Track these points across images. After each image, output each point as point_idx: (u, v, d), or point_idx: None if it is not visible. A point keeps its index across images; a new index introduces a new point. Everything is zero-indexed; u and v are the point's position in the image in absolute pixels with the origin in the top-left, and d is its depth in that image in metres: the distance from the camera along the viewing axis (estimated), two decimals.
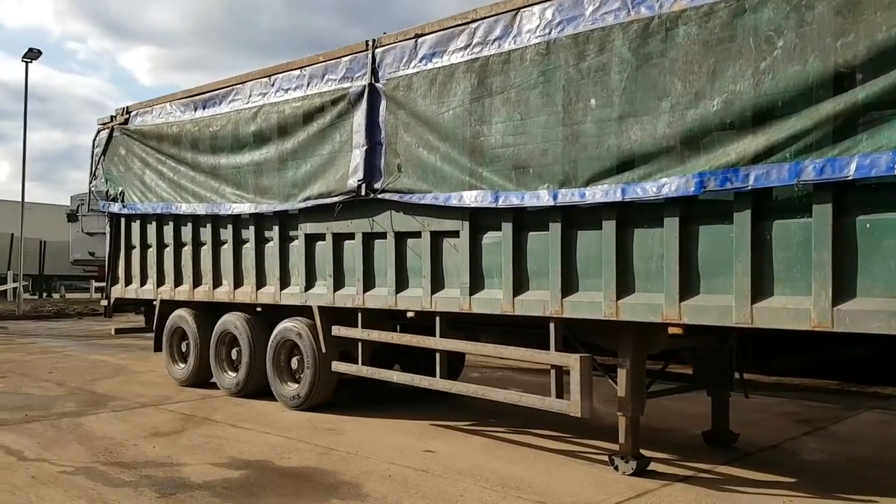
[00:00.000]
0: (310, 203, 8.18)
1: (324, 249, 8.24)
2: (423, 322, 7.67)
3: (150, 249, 10.75)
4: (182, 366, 10.37)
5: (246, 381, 9.25)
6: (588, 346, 6.44)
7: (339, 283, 8.10)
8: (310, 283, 8.42)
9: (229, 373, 9.63)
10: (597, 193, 5.77)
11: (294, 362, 8.73)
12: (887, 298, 4.53)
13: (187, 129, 9.73)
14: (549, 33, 6.07)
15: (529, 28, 6.22)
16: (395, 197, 7.29)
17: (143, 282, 10.92)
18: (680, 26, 5.30)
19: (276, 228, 8.77)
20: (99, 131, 11.56)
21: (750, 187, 4.98)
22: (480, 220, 6.74)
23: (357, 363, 8.07)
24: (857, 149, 4.54)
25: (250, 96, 8.94)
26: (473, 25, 6.65)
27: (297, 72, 8.37)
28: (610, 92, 5.69)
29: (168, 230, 10.37)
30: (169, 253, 10.40)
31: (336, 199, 7.87)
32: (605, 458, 6.39)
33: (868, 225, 4.61)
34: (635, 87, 5.54)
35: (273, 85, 8.65)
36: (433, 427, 7.76)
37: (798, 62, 4.76)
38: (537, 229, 6.33)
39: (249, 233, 9.14)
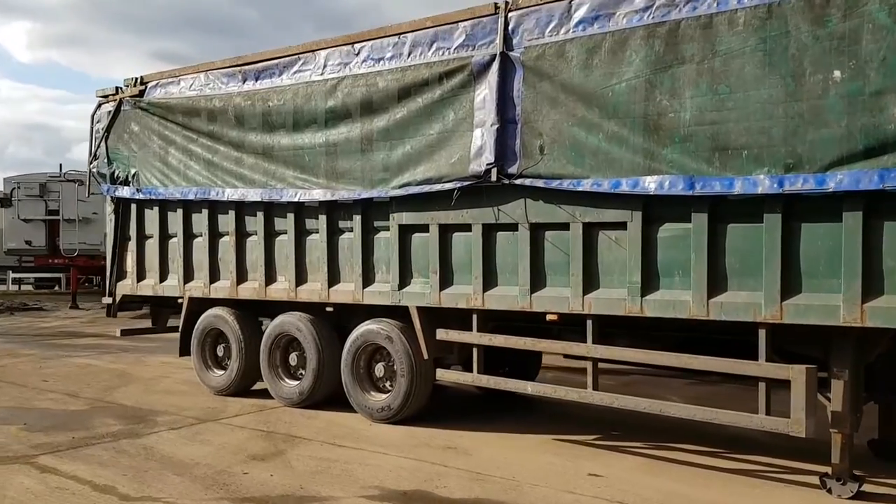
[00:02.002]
0: (409, 190, 6.85)
1: (424, 242, 6.93)
2: (538, 324, 6.55)
3: (174, 240, 9.10)
4: (220, 372, 8.80)
5: (312, 390, 7.83)
6: (785, 354, 5.43)
7: (446, 280, 6.81)
8: (404, 280, 7.09)
9: (287, 381, 8.15)
10: (843, 180, 4.75)
11: (379, 369, 7.38)
12: None
13: (235, 102, 8.17)
14: None
15: None
16: (539, 183, 6.07)
17: (162, 277, 9.24)
18: None
19: (356, 218, 7.38)
20: (99, 105, 9.77)
21: None
22: (658, 209, 5.63)
23: (470, 370, 6.80)
24: None
25: (325, 67, 7.49)
26: None
27: (393, 39, 7.00)
28: (861, 63, 4.67)
29: (200, 218, 8.76)
30: (200, 244, 8.80)
31: (449, 185, 6.57)
32: (802, 479, 5.44)
33: None
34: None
35: (358, 54, 7.24)
36: (558, 442, 6.63)
37: None
38: (743, 221, 5.29)
39: (318, 223, 7.71)
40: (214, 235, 8.69)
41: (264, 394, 8.39)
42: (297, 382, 8.00)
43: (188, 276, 8.97)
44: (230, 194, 8.27)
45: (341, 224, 7.59)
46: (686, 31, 5.36)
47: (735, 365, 5.43)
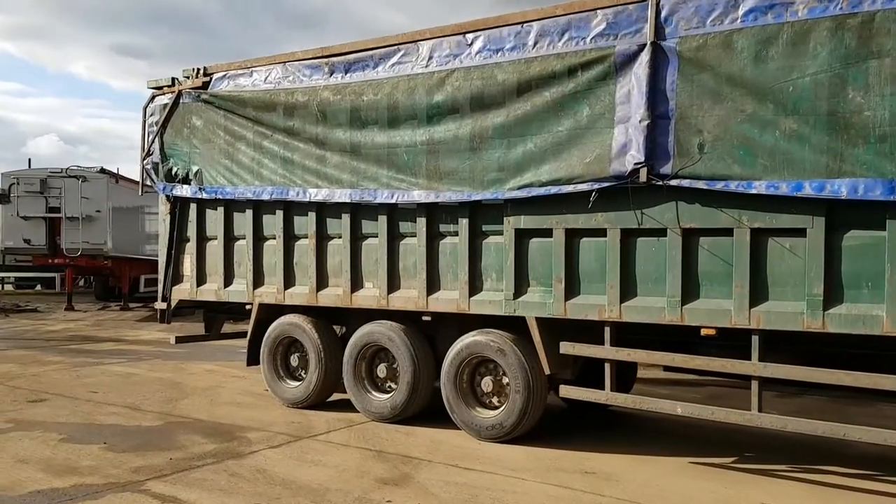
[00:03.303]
0: (532, 192, 6.06)
1: (545, 248, 6.14)
2: (662, 337, 5.85)
3: (241, 242, 8.18)
4: (295, 384, 7.89)
5: (406, 404, 6.97)
6: None
7: (572, 289, 6.02)
8: (520, 288, 6.28)
9: (375, 394, 7.29)
10: None
11: (486, 384, 6.57)
12: None
13: (320, 96, 7.30)
14: None
15: None
16: (700, 184, 5.32)
17: (227, 281, 8.31)
18: None
19: (462, 222, 6.56)
20: (153, 97, 8.82)
21: None
22: (844, 214, 4.92)
23: (604, 388, 5.98)
24: None
25: (430, 58, 6.66)
26: None
27: (515, 28, 6.20)
28: None
29: (273, 220, 7.87)
30: (273, 247, 7.90)
31: (583, 186, 5.79)
32: None
33: None
34: None
35: (471, 45, 6.43)
36: (698, 465, 5.87)
37: None
38: None
39: (415, 226, 6.87)
40: (290, 238, 7.80)
41: (340, 406, 7.55)
42: (389, 396, 7.14)
43: (258, 280, 8.06)
44: (313, 194, 7.40)
45: (443, 228, 6.76)
46: (883, 23, 4.66)
47: None
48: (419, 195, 6.70)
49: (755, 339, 5.28)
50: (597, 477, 5.53)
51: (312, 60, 7.47)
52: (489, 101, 6.30)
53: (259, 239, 8.05)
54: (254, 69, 7.95)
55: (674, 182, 5.40)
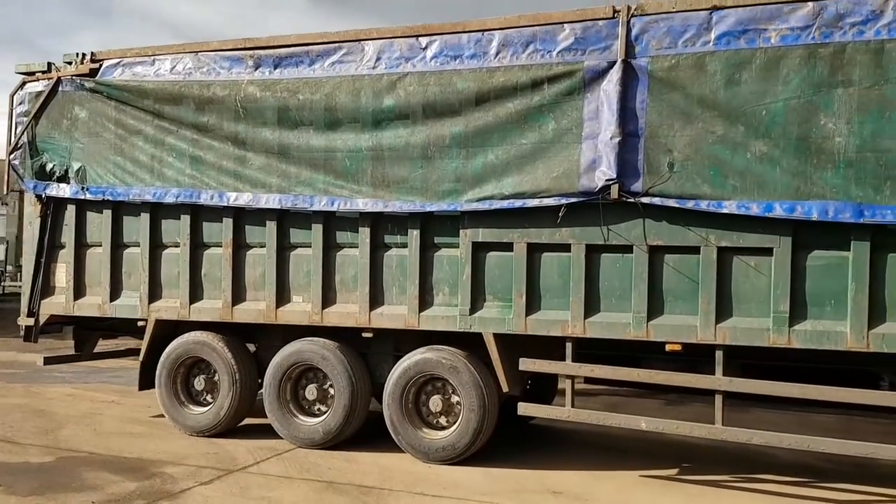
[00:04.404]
0: (494, 205, 5.89)
1: (505, 262, 5.98)
2: (615, 352, 5.93)
3: (133, 250, 7.29)
4: (200, 410, 7.10)
5: (341, 428, 6.50)
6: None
7: (532, 305, 5.89)
8: (476, 303, 6.07)
9: (303, 418, 6.72)
10: None
11: (435, 403, 6.26)
12: None
13: (244, 91, 6.68)
14: None
15: None
16: (671, 203, 5.40)
17: (114, 294, 7.36)
18: None
19: (413, 233, 6.24)
20: (22, 84, 7.69)
21: None
22: (809, 236, 5.17)
23: (564, 405, 5.90)
24: None
25: (378, 60, 6.29)
26: (816, 5, 5.10)
27: (474, 35, 6.00)
28: None
29: (177, 226, 7.09)
30: (175, 256, 7.12)
31: (549, 200, 5.71)
32: None
33: None
34: None
35: (425, 49, 6.15)
36: (652, 479, 5.97)
37: None
38: None
39: (357, 236, 6.45)
40: (198, 246, 7.06)
41: (248, 433, 6.95)
42: (320, 419, 6.61)
43: (155, 293, 7.21)
44: (232, 198, 6.74)
45: (388, 238, 6.39)
46: (854, 54, 4.98)
47: (886, 397, 5.10)
48: (364, 204, 6.30)
49: (719, 355, 5.42)
50: (566, 497, 5.44)
51: (233, 52, 6.82)
52: (446, 108, 6.04)
53: (157, 246, 7.21)
54: (157, 57, 7.13)
55: (645, 199, 5.44)
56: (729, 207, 5.25)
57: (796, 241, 5.19)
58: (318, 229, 6.56)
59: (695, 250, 5.43)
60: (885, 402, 5.13)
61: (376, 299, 6.39)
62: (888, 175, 4.89)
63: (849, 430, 7.28)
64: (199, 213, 7.01)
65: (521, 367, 5.98)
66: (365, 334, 6.56)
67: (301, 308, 6.65)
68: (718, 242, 5.36)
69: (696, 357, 5.73)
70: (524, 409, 6.06)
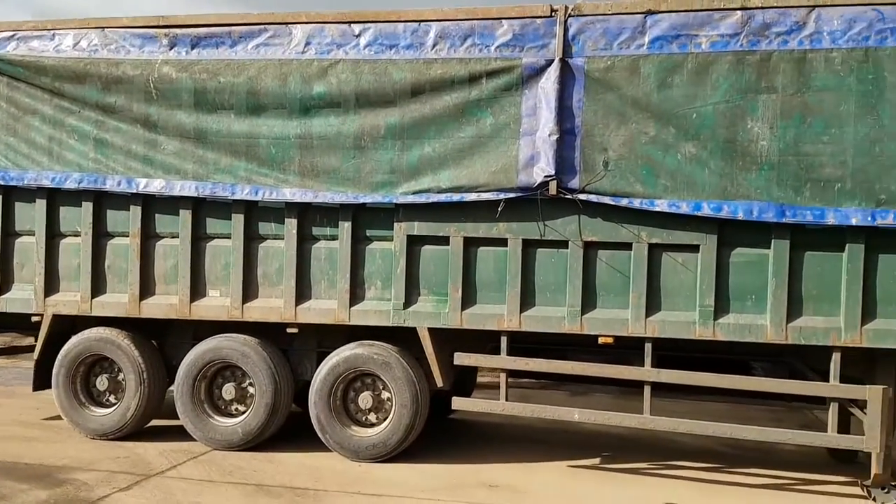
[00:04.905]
0: (431, 198, 5.82)
1: (441, 256, 5.93)
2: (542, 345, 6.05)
3: (25, 239, 6.70)
4: (104, 411, 6.59)
5: (263, 428, 6.22)
6: (819, 373, 5.61)
7: (469, 299, 5.88)
8: (410, 298, 5.98)
9: (220, 419, 6.38)
10: None
11: (365, 400, 6.11)
12: None
13: (159, 72, 6.24)
14: (867, 40, 5.15)
15: (832, 30, 5.20)
16: (606, 200, 5.53)
17: (4, 287, 6.72)
18: None
19: (344, 226, 6.07)
20: None
21: None
22: (733, 234, 5.45)
23: (498, 398, 5.91)
24: None
25: (307, 45, 6.05)
26: (744, 14, 5.36)
27: (411, 25, 5.89)
28: None
29: (77, 213, 6.56)
30: (75, 246, 6.58)
31: (488, 195, 5.71)
32: (841, 491, 5.63)
33: None
34: None
35: (359, 36, 5.97)
36: (584, 469, 6.11)
37: None
38: (821, 249, 5.34)
39: (282, 227, 6.20)
40: (101, 236, 6.56)
41: (152, 435, 6.57)
42: (240, 420, 6.30)
43: (51, 287, 6.64)
44: (142, 185, 6.30)
45: (317, 230, 6.18)
46: (778, 63, 5.28)
47: (812, 387, 5.48)
48: (292, 193, 6.06)
49: (648, 347, 5.62)
50: (504, 490, 5.46)
51: (145, 30, 6.36)
52: (381, 98, 5.90)
53: (54, 236, 6.64)
54: (57, 32, 6.53)
55: (582, 196, 5.54)
56: (660, 206, 5.44)
57: (721, 239, 5.45)
58: (238, 219, 6.24)
59: (627, 246, 5.59)
60: (801, 391, 5.49)
61: (303, 293, 6.17)
62: (808, 178, 5.23)
63: (746, 416, 7.77)
64: (103, 200, 6.51)
65: (456, 362, 5.95)
66: (290, 330, 6.32)
67: (218, 303, 6.31)
68: (649, 239, 5.54)
69: (622, 349, 5.91)
70: (458, 403, 6.04)
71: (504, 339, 5.84)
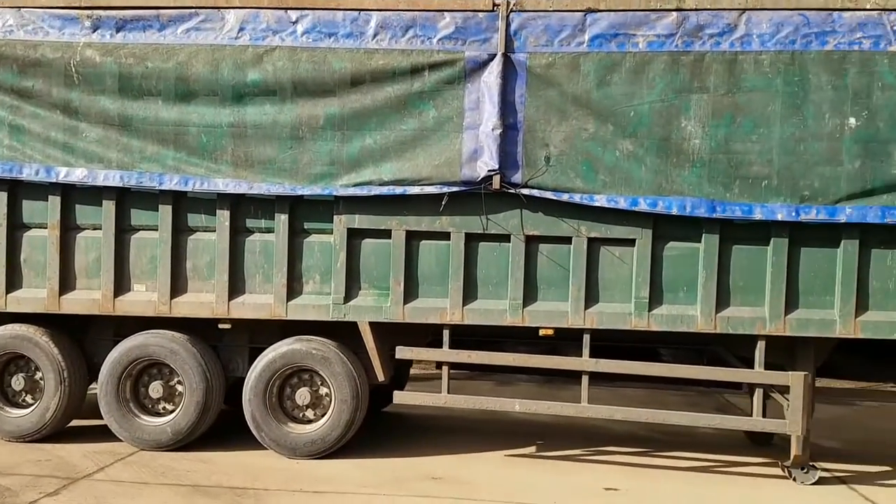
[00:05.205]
0: (373, 191, 5.75)
1: (382, 250, 5.87)
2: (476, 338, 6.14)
3: None
4: (20, 412, 6.20)
5: (193, 427, 6.00)
6: (744, 361, 5.91)
7: (411, 293, 5.85)
8: (351, 291, 5.89)
9: (147, 418, 6.11)
10: (851, 213, 5.36)
11: (302, 396, 5.98)
12: None
13: (81, 55, 5.90)
14: (793, 44, 5.41)
15: (761, 33, 5.44)
16: (548, 195, 5.61)
17: None
18: None
19: (281, 218, 5.91)
20: None
21: None
22: (667, 228, 5.64)
23: (440, 391, 5.91)
24: None
25: (241, 30, 5.84)
26: (679, 15, 5.52)
27: (351, 14, 5.77)
28: (872, 114, 5.33)
29: None
30: None
31: (431, 188, 5.70)
32: (763, 472, 5.96)
33: None
34: None
35: (296, 23, 5.81)
36: (522, 458, 6.19)
37: None
38: (748, 243, 5.60)
39: (213, 219, 6.00)
40: (15, 228, 6.16)
41: (75, 436, 6.25)
42: (169, 419, 6.05)
43: None
44: (62, 174, 5.96)
45: (251, 223, 6.00)
46: (711, 63, 5.48)
47: (738, 374, 5.77)
48: (225, 184, 5.86)
49: (586, 338, 5.75)
50: (447, 481, 5.49)
51: (66, 10, 5.97)
52: (320, 87, 5.77)
53: None
54: None
55: (525, 191, 5.60)
56: (599, 201, 5.56)
57: (655, 233, 5.63)
58: (166, 211, 5.98)
59: (567, 240, 5.69)
60: (730, 378, 5.76)
61: (236, 288, 5.98)
62: (737, 175, 5.46)
63: (665, 402, 8.07)
64: (19, 190, 6.11)
65: (398, 356, 5.92)
66: (222, 325, 6.12)
67: (145, 297, 6.04)
68: (589, 233, 5.66)
69: (555, 340, 6.02)
70: (400, 397, 6.02)
71: (446, 333, 5.84)
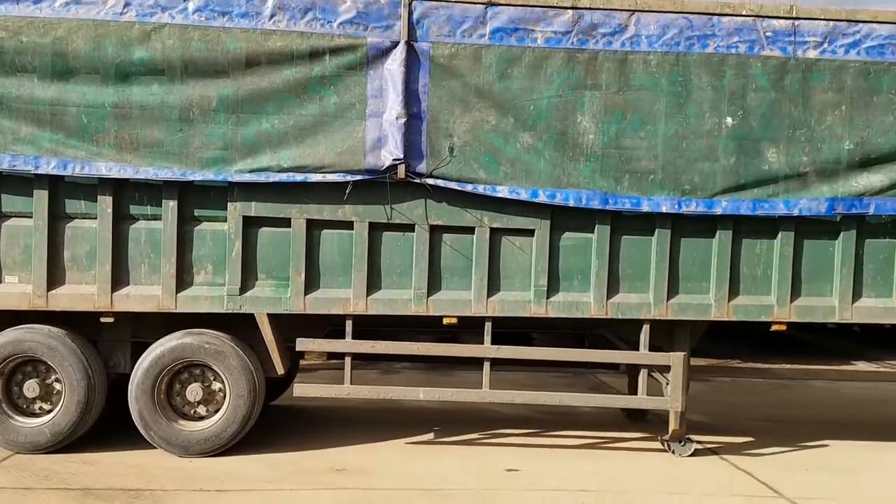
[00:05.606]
0: (271, 177, 5.57)
1: (281, 239, 5.70)
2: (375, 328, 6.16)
3: None
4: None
5: (75, 427, 5.59)
6: (629, 343, 6.28)
7: (312, 283, 5.72)
8: (247, 282, 5.68)
9: (22, 419, 5.62)
10: (727, 206, 5.79)
11: (194, 392, 5.71)
12: None
13: None
14: (677, 46, 5.75)
15: (649, 34, 5.74)
16: (453, 185, 5.66)
17: None
18: (814, 72, 5.76)
19: (170, 204, 5.60)
20: None
21: (871, 213, 5.85)
22: (564, 219, 5.86)
23: (343, 382, 5.83)
24: None
25: (127, 5, 5.45)
26: (575, 13, 5.71)
27: None
28: (746, 114, 5.77)
29: None
30: None
31: (334, 176, 5.60)
32: (643, 446, 6.37)
33: None
34: (772, 114, 5.76)
35: (187, 0, 5.49)
36: (420, 445, 6.25)
37: None
38: (635, 234, 5.92)
39: (94, 206, 5.60)
40: None
41: None
42: (47, 420, 5.60)
43: None
44: None
45: (136, 209, 5.64)
46: (603, 62, 5.71)
47: (626, 356, 6.09)
48: (108, 168, 5.47)
49: (488, 326, 5.88)
50: (352, 472, 5.44)
51: None
52: (213, 67, 5.50)
53: None
54: None
55: (430, 181, 5.62)
56: (502, 192, 5.68)
57: (553, 224, 5.82)
58: (41, 196, 5.51)
59: (471, 230, 5.77)
60: (620, 360, 6.11)
61: (120, 279, 5.61)
62: (627, 170, 5.75)
63: (545, 383, 8.43)
64: None
65: (299, 348, 5.78)
66: (104, 319, 5.71)
67: (18, 290, 5.56)
68: (491, 224, 5.77)
69: (452, 329, 6.11)
70: (301, 389, 5.88)
71: (349, 323, 5.77)
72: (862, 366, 12.25)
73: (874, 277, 5.99)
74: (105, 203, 5.53)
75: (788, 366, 11.62)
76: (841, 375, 11.11)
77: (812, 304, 6.00)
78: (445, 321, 5.84)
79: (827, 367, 11.80)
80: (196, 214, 5.66)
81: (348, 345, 5.76)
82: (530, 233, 5.82)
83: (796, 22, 5.75)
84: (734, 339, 11.16)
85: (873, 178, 5.83)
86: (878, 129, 5.76)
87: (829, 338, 14.90)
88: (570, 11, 5.70)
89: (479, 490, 5.14)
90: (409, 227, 5.73)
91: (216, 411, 5.74)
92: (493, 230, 5.78)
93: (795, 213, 5.82)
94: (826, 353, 13.11)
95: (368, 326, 6.11)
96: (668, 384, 6.01)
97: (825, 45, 5.73)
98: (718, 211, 5.80)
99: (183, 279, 5.63)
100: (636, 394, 6.20)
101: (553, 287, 5.86)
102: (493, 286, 5.82)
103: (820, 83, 5.76)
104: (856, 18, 5.73)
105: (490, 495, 5.04)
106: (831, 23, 5.73)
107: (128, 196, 5.59)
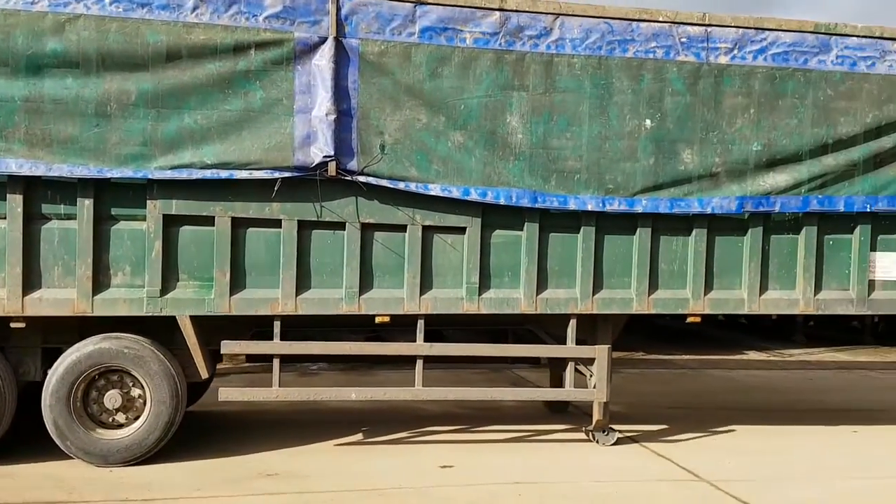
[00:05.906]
0: (195, 174, 5.37)
1: (204, 238, 5.50)
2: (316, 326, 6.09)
3: None
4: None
5: None
6: (555, 338, 6.44)
7: (237, 283, 5.54)
8: (168, 283, 5.45)
9: None
10: (646, 205, 6.02)
11: (112, 399, 5.43)
12: (842, 290, 6.43)
13: None
14: (600, 49, 5.93)
15: (573, 37, 5.90)
16: (384, 183, 5.62)
17: None
18: (725, 77, 6.07)
19: (85, 203, 5.30)
20: None
21: (777, 211, 6.22)
22: (494, 217, 5.93)
23: (271, 385, 5.66)
24: (844, 192, 6.28)
25: None
26: (502, 15, 5.79)
27: None
28: (664, 116, 6.01)
29: None
30: None
31: (261, 173, 5.45)
32: (568, 437, 6.54)
33: (831, 242, 6.41)
34: (687, 117, 6.03)
35: None
36: (352, 446, 6.16)
37: (817, 125, 6.17)
38: (562, 231, 6.07)
39: (2, 205, 5.23)
40: None
41: None
42: None
43: None
44: None
45: (48, 208, 5.31)
46: (530, 64, 5.82)
47: (556, 349, 6.21)
48: (18, 165, 5.13)
49: (420, 324, 5.87)
50: (284, 477, 5.31)
51: None
52: (132, 61, 5.24)
53: None
54: None
55: (361, 178, 5.56)
56: (434, 190, 5.69)
57: (484, 222, 5.88)
58: None
59: (403, 228, 5.75)
60: (548, 354, 6.22)
61: (31, 282, 5.26)
62: (554, 169, 5.88)
63: (467, 380, 8.49)
64: None
65: (224, 351, 5.58)
66: (14, 324, 5.33)
67: None
68: (423, 221, 5.76)
69: (378, 328, 6.08)
70: (226, 394, 5.69)
71: (277, 324, 5.63)
72: (754, 355, 13.06)
73: (779, 271, 6.36)
74: (15, 202, 5.18)
75: (688, 357, 12.24)
76: (737, 364, 11.80)
77: (724, 297, 6.31)
78: (378, 320, 5.79)
79: (723, 356, 12.52)
80: (113, 213, 5.38)
81: (279, 346, 5.62)
82: (462, 231, 5.86)
83: (709, 28, 6.03)
84: (630, 332, 11.67)
85: (779, 178, 6.20)
86: (783, 132, 6.13)
87: (720, 329, 15.81)
88: (497, 13, 5.77)
89: (418, 488, 5.12)
90: (340, 226, 5.65)
91: (136, 418, 5.48)
92: (425, 228, 5.78)
93: (708, 210, 6.11)
94: (717, 344, 13.89)
95: (292, 328, 5.98)
96: (592, 376, 6.18)
97: (735, 52, 6.05)
98: (639, 209, 6.01)
99: (100, 281, 5.34)
100: (559, 387, 6.34)
101: (484, 284, 5.92)
102: (425, 284, 5.82)
103: (730, 87, 6.07)
104: (763, 26, 6.08)
105: (430, 492, 5.04)
106: (741, 30, 6.06)
107: (40, 195, 5.26)
